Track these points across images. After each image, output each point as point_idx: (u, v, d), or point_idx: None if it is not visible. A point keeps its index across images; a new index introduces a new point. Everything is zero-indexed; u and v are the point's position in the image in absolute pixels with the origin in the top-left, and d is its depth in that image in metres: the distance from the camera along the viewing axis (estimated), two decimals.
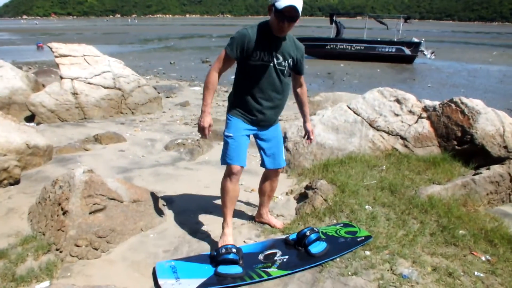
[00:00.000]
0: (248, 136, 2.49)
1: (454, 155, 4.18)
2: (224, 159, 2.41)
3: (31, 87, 7.08)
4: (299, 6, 2.16)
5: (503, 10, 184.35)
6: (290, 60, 2.39)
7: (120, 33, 48.25)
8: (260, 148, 2.62)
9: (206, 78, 2.34)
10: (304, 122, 2.73)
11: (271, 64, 2.33)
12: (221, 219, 2.53)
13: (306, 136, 2.77)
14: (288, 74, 2.45)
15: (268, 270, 2.22)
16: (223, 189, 2.43)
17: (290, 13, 2.16)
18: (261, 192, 2.77)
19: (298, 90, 2.65)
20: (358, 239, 2.51)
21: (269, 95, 2.40)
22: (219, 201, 3.19)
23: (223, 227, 2.50)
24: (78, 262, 2.31)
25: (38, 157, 4.04)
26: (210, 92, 2.34)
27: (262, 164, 2.67)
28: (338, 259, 2.36)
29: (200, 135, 2.41)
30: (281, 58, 2.35)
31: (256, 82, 2.36)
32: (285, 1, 2.13)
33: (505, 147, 4.10)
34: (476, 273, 2.24)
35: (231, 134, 2.41)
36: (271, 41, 2.30)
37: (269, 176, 2.72)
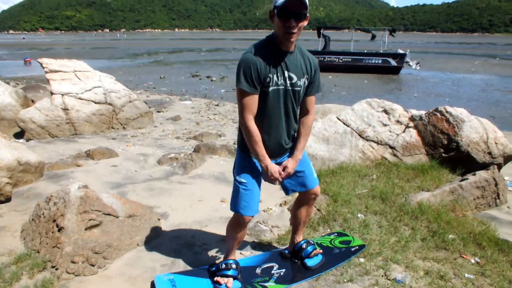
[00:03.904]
0: (261, 173, 2.14)
1: (441, 163, 4.30)
2: (235, 207, 2.09)
3: (20, 103, 7.04)
4: None
5: (482, 22, 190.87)
6: (305, 77, 2.00)
7: (109, 48, 48.27)
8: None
9: (246, 131, 1.92)
10: (289, 156, 2.14)
11: (285, 87, 1.94)
12: (217, 232, 2.54)
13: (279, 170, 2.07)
14: (303, 93, 2.06)
15: (266, 284, 2.24)
16: (231, 234, 2.20)
17: (296, 7, 1.77)
18: (296, 219, 2.42)
19: (303, 118, 2.14)
20: (353, 249, 2.57)
21: (286, 124, 2.04)
22: (214, 214, 3.24)
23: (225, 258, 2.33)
24: (74, 279, 2.30)
25: (29, 174, 4.01)
26: (260, 144, 1.93)
27: (286, 191, 2.31)
28: None
29: (273, 183, 2.08)
30: (295, 78, 1.95)
31: (271, 112, 1.97)
32: None
33: (489, 153, 4.23)
34: (466, 275, 2.33)
35: (243, 181, 2.05)
36: (281, 58, 1.90)
37: (304, 200, 2.33)
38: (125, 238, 2.64)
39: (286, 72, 1.92)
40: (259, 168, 2.07)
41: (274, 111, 1.97)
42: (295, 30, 1.81)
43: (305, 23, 1.86)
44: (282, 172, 2.04)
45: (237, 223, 2.13)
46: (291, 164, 2.09)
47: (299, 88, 1.98)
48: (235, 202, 2.09)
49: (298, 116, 2.12)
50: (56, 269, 2.33)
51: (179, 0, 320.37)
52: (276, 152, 2.09)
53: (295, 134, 2.16)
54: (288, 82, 1.94)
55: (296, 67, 1.95)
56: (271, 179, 2.03)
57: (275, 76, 1.90)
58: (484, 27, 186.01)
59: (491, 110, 11.81)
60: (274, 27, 1.87)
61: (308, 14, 1.83)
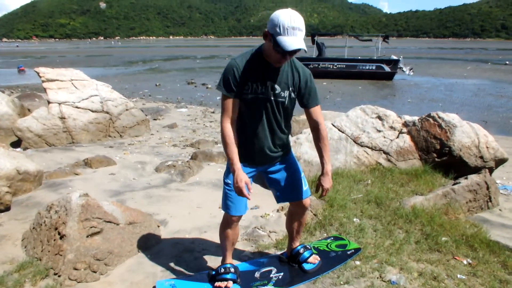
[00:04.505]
0: (252, 177, 2.22)
1: (435, 167, 4.39)
2: (223, 207, 2.23)
3: (17, 112, 7.06)
4: (304, 43, 1.81)
5: (474, 27, 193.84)
6: (291, 89, 2.03)
7: (104, 56, 48.27)
8: (271, 183, 2.31)
9: (221, 133, 2.01)
10: (321, 174, 2.20)
11: (267, 97, 2.00)
12: (216, 238, 2.57)
13: (319, 191, 2.21)
14: (291, 105, 2.10)
15: (265, 287, 2.30)
16: (223, 234, 2.29)
17: (295, 52, 1.86)
18: (290, 229, 2.49)
19: (314, 132, 2.16)
20: (348, 252, 2.63)
21: (270, 133, 2.09)
22: (212, 221, 3.29)
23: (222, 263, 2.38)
24: (77, 286, 2.34)
25: (28, 183, 4.04)
26: (231, 147, 1.97)
27: (277, 199, 2.35)
28: None
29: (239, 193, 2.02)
30: (278, 89, 1.99)
31: (253, 119, 2.04)
32: (292, 43, 1.77)
33: (481, 157, 4.33)
34: (459, 275, 2.41)
35: (229, 182, 2.13)
36: (265, 69, 1.96)
37: (295, 211, 2.39)
38: (126, 245, 2.69)
39: (268, 82, 1.98)
40: (248, 170, 2.14)
41: (255, 119, 2.04)
42: (288, 60, 1.92)
43: None
44: (250, 186, 1.99)
45: (226, 222, 2.25)
46: (326, 182, 2.16)
47: (283, 100, 2.03)
48: (223, 202, 2.22)
49: (285, 127, 2.15)
50: (59, 276, 2.38)
51: (173, 7, 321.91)
52: (260, 159, 2.15)
53: (285, 143, 2.21)
54: (271, 92, 1.99)
55: (281, 78, 2.00)
56: (236, 187, 1.96)
57: (255, 84, 1.96)
58: (476, 33, 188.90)
59: (483, 115, 11.99)
60: (266, 45, 1.92)
61: None
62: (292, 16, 1.77)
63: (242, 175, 1.96)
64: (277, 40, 1.79)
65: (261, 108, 2.03)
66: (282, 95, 2.02)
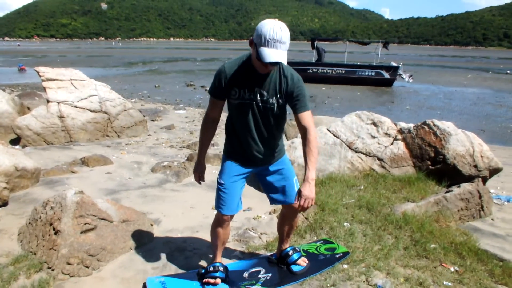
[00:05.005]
0: (245, 178, 2.28)
1: (428, 174, 4.43)
2: (216, 206, 2.28)
3: (17, 110, 7.11)
4: (285, 56, 1.83)
5: (476, 35, 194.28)
6: (278, 96, 2.04)
7: (104, 56, 48.32)
8: (264, 185, 2.36)
9: (200, 127, 2.27)
10: (303, 180, 2.05)
11: (254, 103, 2.04)
12: (208, 238, 2.63)
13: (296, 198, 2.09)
14: (281, 111, 2.11)
15: (253, 287, 2.35)
16: (214, 233, 2.35)
17: (276, 64, 1.87)
18: (280, 231, 2.55)
19: (302, 138, 2.10)
20: (337, 256, 2.68)
21: (259, 137, 2.14)
22: (205, 221, 3.34)
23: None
24: (70, 280, 2.39)
25: (26, 180, 4.08)
26: (201, 141, 2.27)
27: (270, 201, 2.38)
28: None
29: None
30: (266, 95, 2.03)
31: (242, 123, 2.11)
32: (271, 55, 1.79)
33: (475, 166, 4.37)
34: (445, 282, 2.44)
35: (222, 182, 2.21)
36: (253, 76, 2.00)
37: (286, 214, 2.43)
38: (118, 242, 2.73)
39: (256, 89, 2.02)
40: (241, 171, 2.23)
41: (244, 123, 2.10)
42: (272, 69, 1.97)
43: None
44: (204, 179, 2.37)
45: (218, 221, 2.31)
46: (305, 188, 2.00)
47: (271, 106, 2.06)
48: (216, 201, 2.27)
49: (276, 132, 2.18)
50: (52, 270, 2.43)
51: (174, 9, 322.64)
52: (252, 162, 2.21)
53: (277, 147, 2.24)
54: (258, 98, 2.03)
55: (269, 85, 2.02)
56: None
57: (242, 90, 2.03)
58: (478, 41, 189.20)
59: (481, 124, 12.03)
60: (252, 54, 1.94)
61: None
62: (276, 28, 1.78)
63: (199, 166, 2.34)
64: (258, 51, 1.83)
65: (249, 113, 2.07)
66: (270, 101, 2.05)
